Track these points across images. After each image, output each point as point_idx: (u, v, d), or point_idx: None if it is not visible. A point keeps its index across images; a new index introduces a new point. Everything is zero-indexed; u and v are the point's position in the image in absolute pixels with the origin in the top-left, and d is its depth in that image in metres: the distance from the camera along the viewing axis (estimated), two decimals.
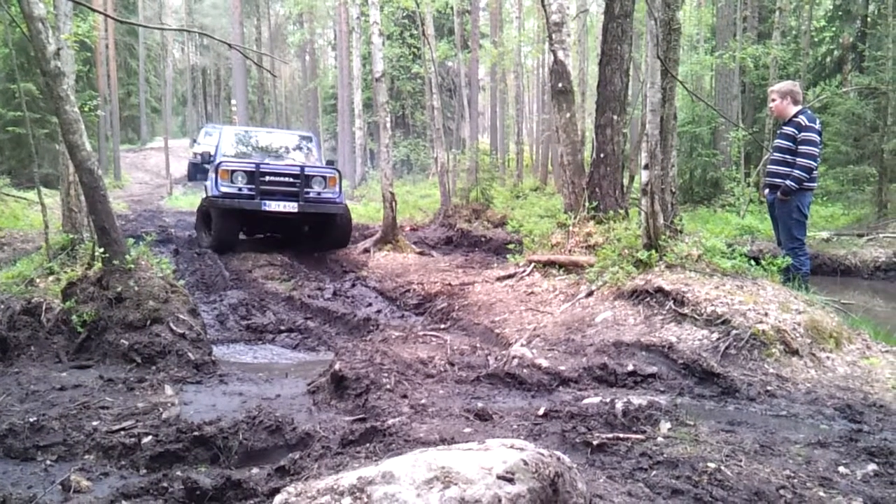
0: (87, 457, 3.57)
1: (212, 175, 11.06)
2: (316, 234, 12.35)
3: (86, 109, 7.73)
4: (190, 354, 5.48)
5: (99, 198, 5.90)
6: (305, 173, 11.26)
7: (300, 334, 7.27)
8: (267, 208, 10.81)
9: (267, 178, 10.97)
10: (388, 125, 13.08)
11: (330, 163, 13.51)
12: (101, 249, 5.95)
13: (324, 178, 11.52)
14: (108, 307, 5.73)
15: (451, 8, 22.78)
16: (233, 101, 41.21)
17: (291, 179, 11.16)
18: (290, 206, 10.95)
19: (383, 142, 13.02)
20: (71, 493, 3.11)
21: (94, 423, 3.93)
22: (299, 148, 13.40)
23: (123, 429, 3.85)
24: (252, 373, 5.51)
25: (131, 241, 6.52)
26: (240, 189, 10.83)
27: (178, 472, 3.17)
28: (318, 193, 11.36)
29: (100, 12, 6.73)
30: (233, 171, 10.84)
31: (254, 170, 10.92)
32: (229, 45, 6.21)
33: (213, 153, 12.51)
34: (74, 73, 8.19)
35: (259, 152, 12.68)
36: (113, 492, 3.01)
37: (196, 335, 5.83)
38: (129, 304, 5.75)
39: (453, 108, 31.72)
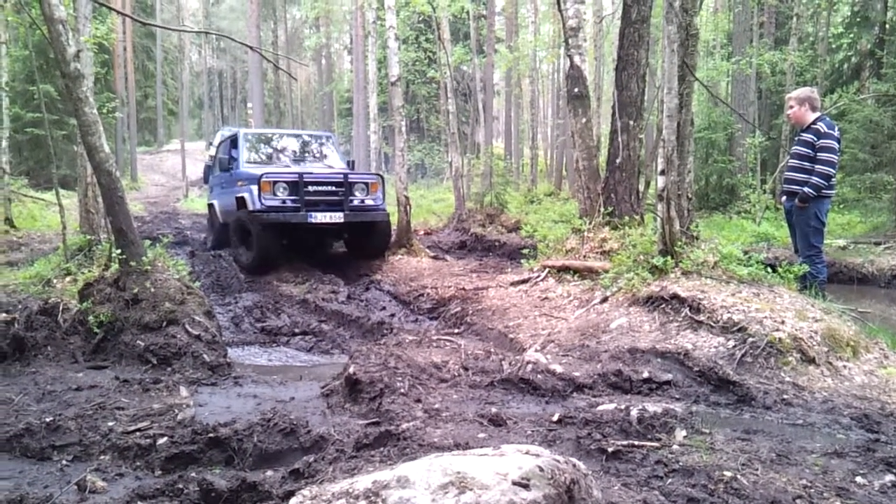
0: (102, 457, 3.59)
1: (251, 187, 10.28)
2: (356, 243, 11.82)
3: (104, 111, 7.82)
4: (205, 356, 5.51)
5: (116, 199, 5.95)
6: (349, 180, 10.71)
7: (314, 337, 7.29)
8: (313, 220, 10.17)
9: (310, 187, 10.36)
10: (403, 129, 13.10)
11: (350, 163, 13.06)
12: (118, 251, 5.99)
13: (366, 184, 11.00)
14: (125, 308, 5.78)
15: (467, 13, 22.82)
16: (249, 105, 41.41)
17: (334, 188, 10.59)
18: (336, 217, 10.34)
19: (398, 146, 13.04)
20: (87, 494, 3.13)
21: (110, 424, 3.96)
22: (319, 148, 12.94)
23: (139, 430, 3.87)
24: (266, 375, 5.52)
25: (148, 242, 6.56)
26: (283, 201, 10.18)
27: (193, 474, 3.18)
28: (362, 201, 10.83)
29: (121, 13, 6.79)
30: (275, 183, 10.18)
31: (297, 180, 10.30)
32: (250, 47, 6.26)
33: (230, 158, 11.95)
34: (93, 75, 8.26)
35: (280, 156, 12.23)
36: (128, 492, 3.02)
37: (211, 337, 5.86)
38: (146, 305, 5.79)
39: (468, 113, 31.72)
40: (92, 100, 5.99)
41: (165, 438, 3.70)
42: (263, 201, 10.03)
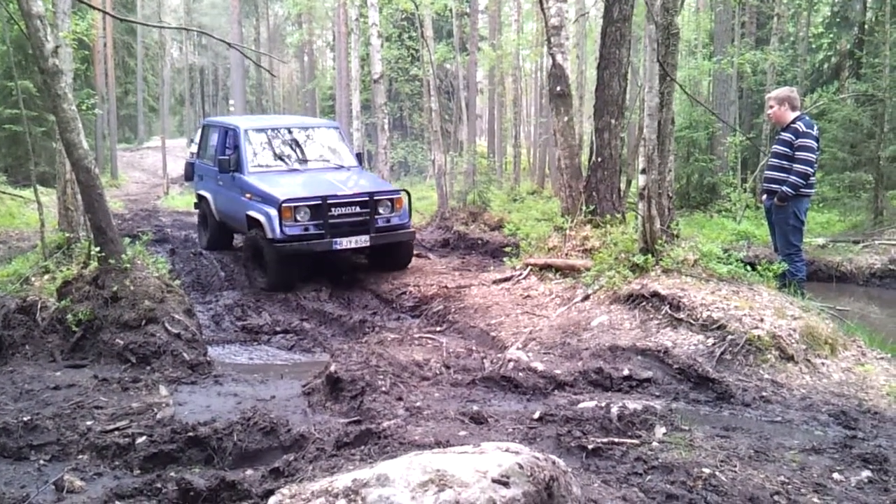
0: (80, 456, 3.56)
1: (267, 210, 9.22)
2: (378, 259, 10.74)
3: (83, 108, 7.73)
4: (185, 355, 5.48)
5: (95, 196, 5.90)
6: (374, 199, 9.70)
7: (296, 335, 7.27)
8: (338, 247, 9.26)
9: (333, 210, 9.34)
10: (386, 127, 13.09)
11: (358, 155, 11.66)
12: (97, 248, 5.94)
13: (391, 201, 9.99)
14: (104, 306, 5.73)
15: (450, 10, 22.76)
16: (231, 101, 41.19)
17: (359, 209, 9.58)
18: (362, 241, 9.43)
19: (381, 143, 13.03)
20: (64, 493, 3.10)
21: (89, 423, 3.93)
22: (327, 143, 11.58)
23: (118, 429, 3.85)
24: (247, 374, 5.50)
25: (127, 240, 6.52)
26: (306, 229, 9.14)
27: (172, 473, 3.17)
28: (388, 220, 9.87)
29: (99, 10, 6.73)
30: (296, 209, 9.14)
31: (320, 203, 9.20)
32: (228, 44, 6.22)
33: (229, 155, 10.56)
34: (72, 71, 8.16)
35: (287, 156, 10.97)
36: (106, 492, 3.00)
37: (191, 335, 5.83)
38: (125, 303, 5.74)
39: (451, 111, 31.68)
40: (70, 96, 5.94)
41: (144, 437, 3.68)
42: (285, 230, 9.05)
